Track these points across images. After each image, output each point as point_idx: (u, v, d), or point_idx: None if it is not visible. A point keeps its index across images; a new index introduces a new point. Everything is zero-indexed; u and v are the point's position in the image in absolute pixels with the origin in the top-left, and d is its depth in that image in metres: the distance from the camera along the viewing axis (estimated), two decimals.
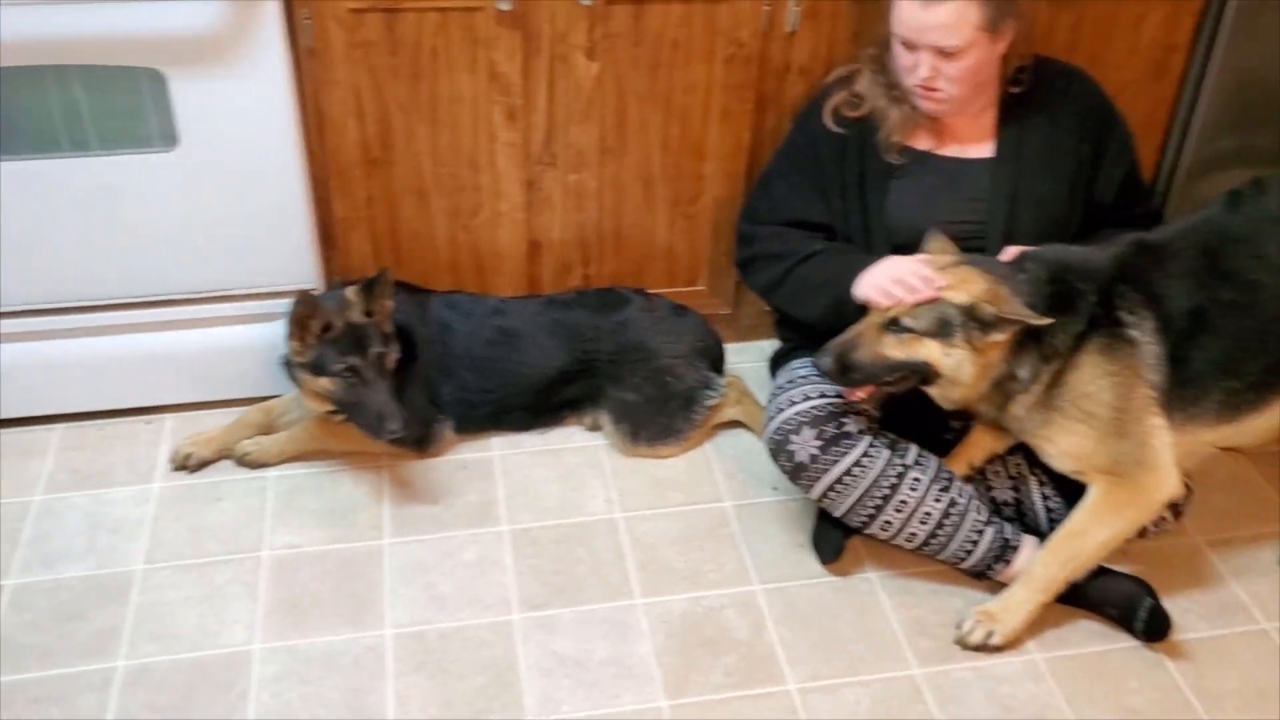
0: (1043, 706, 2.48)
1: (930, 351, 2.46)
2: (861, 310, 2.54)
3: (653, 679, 2.50)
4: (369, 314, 2.81)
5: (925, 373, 2.49)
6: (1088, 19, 3.05)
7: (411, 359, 2.94)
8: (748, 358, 3.38)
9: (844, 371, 2.50)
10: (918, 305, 2.44)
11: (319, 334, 2.77)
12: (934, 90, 2.57)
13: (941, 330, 2.44)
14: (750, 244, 2.84)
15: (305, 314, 2.75)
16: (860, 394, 2.55)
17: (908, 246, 2.62)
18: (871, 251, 2.66)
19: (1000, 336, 2.42)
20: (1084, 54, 3.05)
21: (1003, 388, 2.50)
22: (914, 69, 2.56)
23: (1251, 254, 2.52)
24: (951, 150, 2.71)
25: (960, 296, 2.42)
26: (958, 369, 2.46)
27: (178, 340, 2.95)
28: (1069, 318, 2.45)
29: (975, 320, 2.41)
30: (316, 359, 2.78)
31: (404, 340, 2.93)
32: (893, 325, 2.47)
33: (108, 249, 2.85)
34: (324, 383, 2.80)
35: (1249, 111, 3.25)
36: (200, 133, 2.75)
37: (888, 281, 2.46)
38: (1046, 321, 2.40)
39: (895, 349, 2.48)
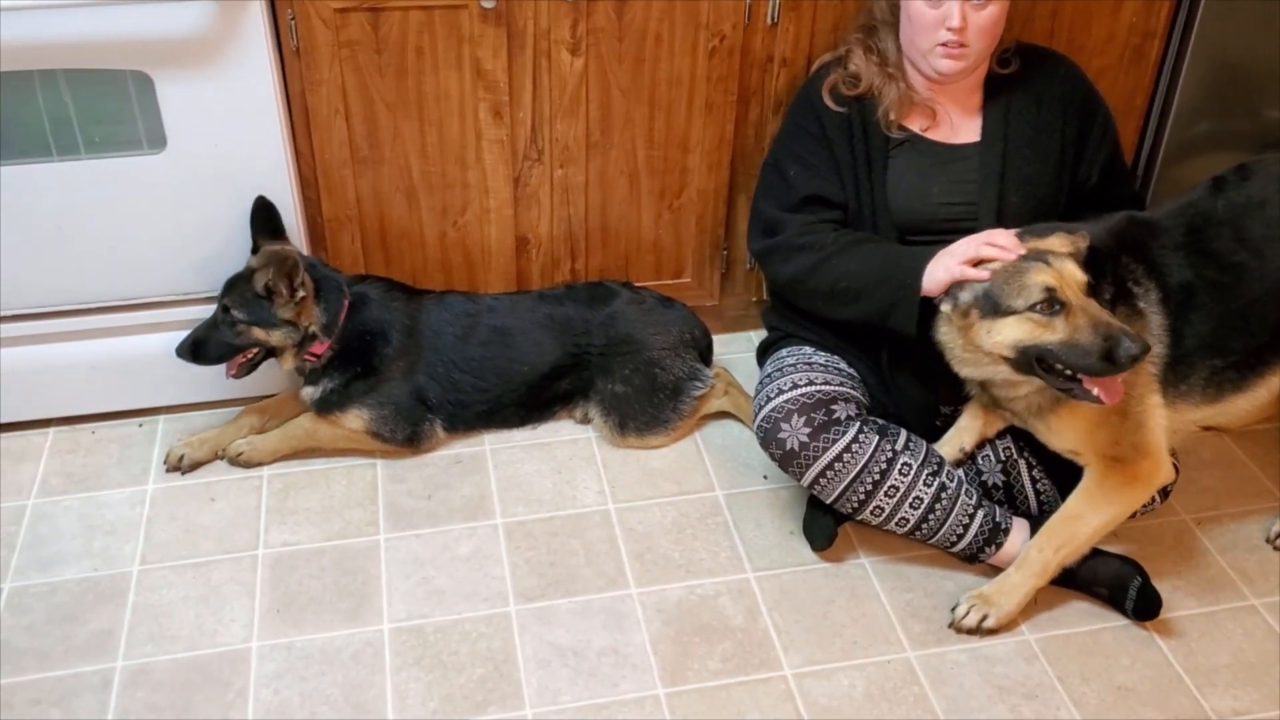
0: (1036, 686, 2.50)
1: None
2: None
3: (650, 667, 2.52)
4: (268, 289, 2.82)
5: None
6: (1066, 6, 3.08)
7: (383, 360, 2.98)
8: (735, 348, 3.41)
9: (1109, 357, 2.30)
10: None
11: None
12: (961, 46, 2.58)
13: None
14: (772, 233, 2.77)
15: (256, 209, 2.86)
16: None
17: (906, 226, 2.67)
18: (878, 232, 2.69)
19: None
20: (1063, 40, 3.09)
21: None
22: (941, 22, 2.56)
23: (1235, 237, 2.54)
24: (941, 134, 2.74)
25: (1068, 246, 2.40)
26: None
27: (170, 342, 2.94)
28: (1104, 282, 2.46)
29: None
30: None
31: (375, 340, 2.97)
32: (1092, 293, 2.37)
33: (99, 252, 2.86)
34: None
35: (1225, 96, 3.28)
36: (189, 134, 2.76)
37: (975, 249, 2.42)
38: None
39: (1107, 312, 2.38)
